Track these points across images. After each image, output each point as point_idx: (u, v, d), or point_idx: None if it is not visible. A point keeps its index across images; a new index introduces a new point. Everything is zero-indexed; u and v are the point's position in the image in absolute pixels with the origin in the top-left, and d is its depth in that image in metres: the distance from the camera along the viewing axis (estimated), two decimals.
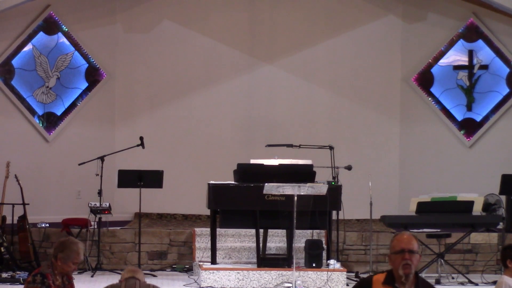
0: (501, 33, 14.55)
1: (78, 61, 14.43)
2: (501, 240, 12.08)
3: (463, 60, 14.78)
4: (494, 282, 11.33)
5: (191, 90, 14.89)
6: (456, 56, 14.80)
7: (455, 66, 14.80)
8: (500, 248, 11.90)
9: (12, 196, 12.13)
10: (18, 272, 11.26)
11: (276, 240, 12.19)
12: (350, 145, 14.64)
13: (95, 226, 12.04)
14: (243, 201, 11.15)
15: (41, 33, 14.16)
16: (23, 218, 12.03)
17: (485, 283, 11.33)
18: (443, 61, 14.84)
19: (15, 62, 14.00)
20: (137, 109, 14.79)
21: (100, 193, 11.99)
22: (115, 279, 9.79)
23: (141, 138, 12.70)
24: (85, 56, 14.44)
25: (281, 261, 11.18)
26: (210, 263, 11.27)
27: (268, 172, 11.16)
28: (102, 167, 12.06)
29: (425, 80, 14.89)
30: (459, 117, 14.79)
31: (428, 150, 14.81)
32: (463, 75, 14.77)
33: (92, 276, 11.51)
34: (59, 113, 14.34)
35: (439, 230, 12.05)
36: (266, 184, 10.30)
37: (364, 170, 13.44)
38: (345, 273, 11.04)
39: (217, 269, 11.01)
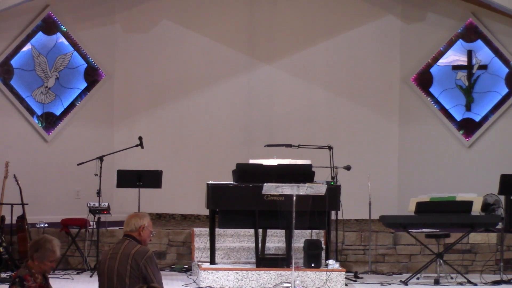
0: (500, 33, 14.54)
1: (77, 61, 14.43)
2: (500, 240, 12.07)
3: (462, 60, 14.78)
4: (493, 282, 11.34)
5: (190, 90, 14.88)
6: (455, 56, 14.80)
7: (454, 66, 14.80)
8: (499, 248, 11.92)
9: (11, 196, 12.11)
10: None
11: (275, 240, 12.19)
12: (349, 145, 14.64)
13: (94, 226, 12.01)
14: (242, 201, 11.13)
15: (40, 33, 14.16)
16: (22, 218, 12.02)
17: (484, 283, 11.31)
18: (442, 61, 14.84)
19: (14, 62, 14.00)
20: (136, 109, 14.79)
21: (99, 193, 11.98)
22: None
23: (140, 138, 12.69)
24: (84, 56, 14.44)
25: (280, 261, 11.17)
26: (209, 263, 11.26)
27: (267, 172, 11.15)
28: (101, 167, 12.04)
29: (424, 80, 14.88)
30: (458, 117, 14.79)
31: (427, 150, 14.80)
32: (462, 75, 14.77)
33: (91, 276, 11.48)
34: (58, 113, 14.33)
35: (438, 230, 12.05)
36: (265, 184, 10.28)
37: (363, 170, 13.42)
38: (344, 273, 11.03)
39: (216, 269, 11.00)
